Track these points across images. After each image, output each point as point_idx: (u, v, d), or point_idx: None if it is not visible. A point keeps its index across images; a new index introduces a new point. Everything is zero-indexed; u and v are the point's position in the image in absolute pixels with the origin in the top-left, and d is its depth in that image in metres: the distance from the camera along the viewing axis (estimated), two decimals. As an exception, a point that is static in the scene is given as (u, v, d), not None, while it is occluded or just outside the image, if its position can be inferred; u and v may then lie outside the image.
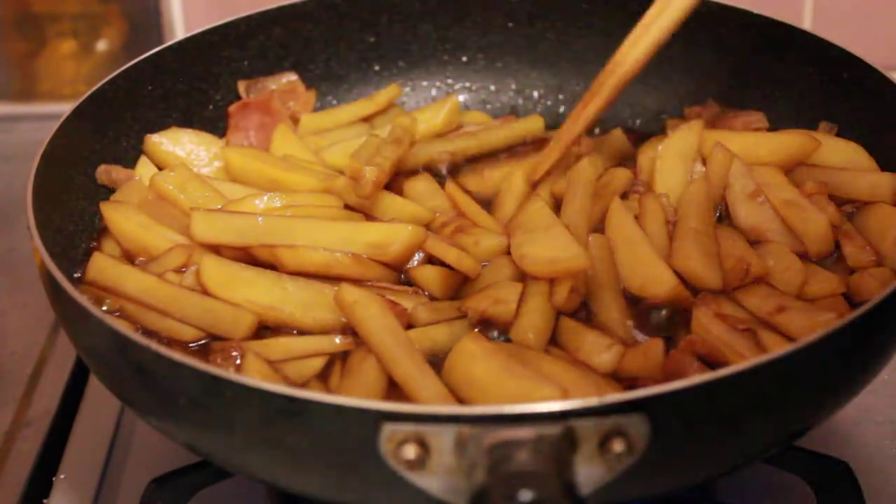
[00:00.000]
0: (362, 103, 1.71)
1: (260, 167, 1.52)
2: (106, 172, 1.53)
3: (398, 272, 1.41)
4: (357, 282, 1.35)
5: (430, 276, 1.39)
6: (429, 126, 1.66)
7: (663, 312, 1.34)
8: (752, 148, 1.52)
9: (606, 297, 1.35)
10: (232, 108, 1.66)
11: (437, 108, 1.70)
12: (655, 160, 1.52)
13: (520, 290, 1.34)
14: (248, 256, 1.39)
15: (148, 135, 1.59)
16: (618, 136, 1.65)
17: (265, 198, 1.45)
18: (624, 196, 1.51)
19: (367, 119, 1.70)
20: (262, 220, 1.40)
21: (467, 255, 1.39)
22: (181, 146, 1.59)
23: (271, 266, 1.38)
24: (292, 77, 1.71)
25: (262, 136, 1.63)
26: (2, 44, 2.18)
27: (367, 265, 1.37)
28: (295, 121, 1.68)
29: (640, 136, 1.67)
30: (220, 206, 1.46)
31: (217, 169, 1.58)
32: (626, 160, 1.61)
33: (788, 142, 1.53)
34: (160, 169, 1.57)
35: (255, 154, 1.57)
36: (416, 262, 1.41)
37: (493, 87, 1.81)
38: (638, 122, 1.76)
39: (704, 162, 1.52)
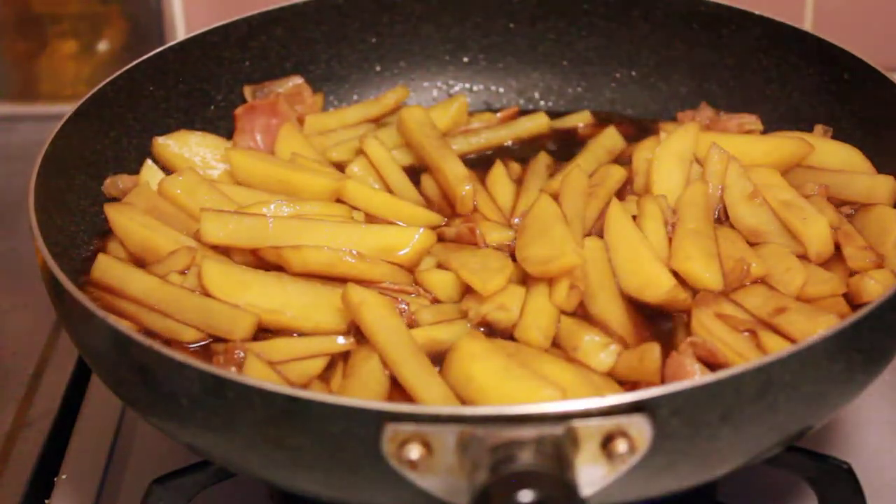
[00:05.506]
0: (369, 104, 1.72)
1: (265, 168, 1.52)
2: (113, 184, 1.53)
3: (408, 273, 1.41)
4: (361, 283, 1.35)
5: (440, 281, 1.39)
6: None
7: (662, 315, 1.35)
8: (746, 150, 1.52)
9: (604, 298, 1.36)
10: (238, 111, 1.66)
11: (445, 107, 1.70)
12: (652, 162, 1.53)
13: (522, 296, 1.35)
14: (256, 258, 1.40)
15: (155, 137, 1.59)
16: (611, 133, 1.65)
17: (272, 206, 1.45)
18: (620, 195, 1.52)
19: (373, 120, 1.70)
20: (272, 222, 1.40)
21: (490, 277, 1.35)
22: (188, 148, 1.59)
23: (278, 267, 1.38)
24: (298, 81, 1.71)
25: (268, 138, 1.63)
26: (2, 44, 2.18)
27: (372, 264, 1.37)
28: (302, 123, 1.68)
29: (640, 127, 1.69)
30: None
31: (225, 172, 1.58)
32: (620, 157, 1.62)
33: (782, 145, 1.53)
34: (165, 171, 1.57)
35: (259, 155, 1.57)
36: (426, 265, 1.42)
37: (494, 88, 1.81)
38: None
39: (701, 163, 1.53)
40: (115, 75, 1.56)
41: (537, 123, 1.72)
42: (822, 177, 1.50)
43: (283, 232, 1.39)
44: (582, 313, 1.35)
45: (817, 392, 1.16)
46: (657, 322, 1.35)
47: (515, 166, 1.62)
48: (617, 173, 1.55)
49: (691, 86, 1.74)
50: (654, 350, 1.26)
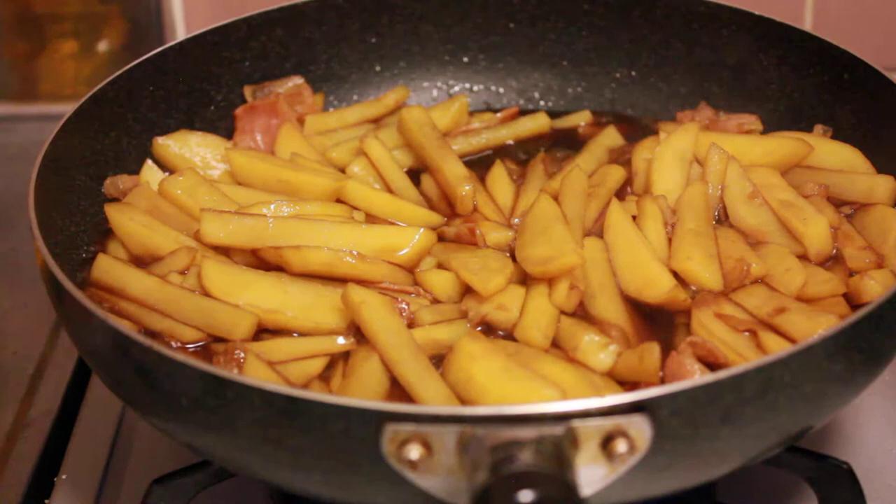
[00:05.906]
0: (369, 105, 1.72)
1: (265, 168, 1.52)
2: (113, 184, 1.53)
3: (408, 273, 1.41)
4: (361, 283, 1.35)
5: (440, 281, 1.39)
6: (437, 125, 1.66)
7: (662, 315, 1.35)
8: (746, 150, 1.52)
9: (604, 298, 1.36)
10: (238, 111, 1.66)
11: (445, 107, 1.70)
12: (652, 162, 1.53)
13: (522, 296, 1.35)
14: (256, 258, 1.40)
15: (155, 137, 1.59)
16: (611, 133, 1.66)
17: (272, 206, 1.45)
18: (620, 195, 1.52)
19: (373, 120, 1.70)
20: (272, 222, 1.40)
21: (491, 278, 1.35)
22: (188, 148, 1.60)
23: (278, 267, 1.38)
24: (299, 81, 1.71)
25: (268, 138, 1.64)
26: (2, 44, 2.18)
27: (372, 264, 1.37)
28: (302, 123, 1.68)
29: (640, 127, 1.69)
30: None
31: (225, 172, 1.58)
32: (620, 157, 1.62)
33: (782, 145, 1.53)
34: (165, 171, 1.57)
35: (259, 156, 1.57)
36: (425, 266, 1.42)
37: (494, 88, 1.81)
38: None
39: (701, 163, 1.53)
40: (115, 75, 1.56)
41: (537, 123, 1.72)
42: (822, 177, 1.50)
43: (283, 232, 1.39)
44: (582, 313, 1.35)
45: (817, 392, 1.16)
46: (657, 322, 1.35)
47: (515, 166, 1.62)
48: (617, 173, 1.55)
49: (691, 86, 1.74)
50: (654, 350, 1.26)
